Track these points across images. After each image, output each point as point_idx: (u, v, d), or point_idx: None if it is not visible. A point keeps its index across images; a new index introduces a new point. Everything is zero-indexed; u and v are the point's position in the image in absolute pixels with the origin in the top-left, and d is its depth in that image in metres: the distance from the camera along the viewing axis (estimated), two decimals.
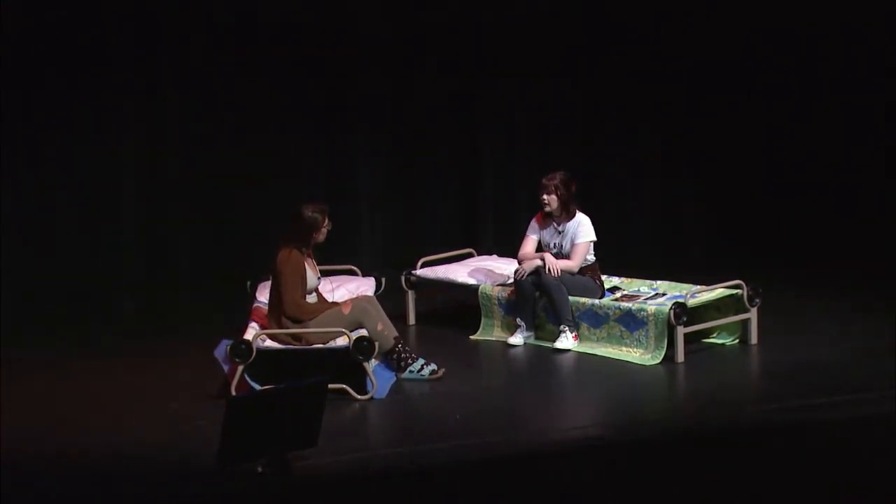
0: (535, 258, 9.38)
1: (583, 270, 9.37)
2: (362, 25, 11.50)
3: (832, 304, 10.24)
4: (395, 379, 8.52)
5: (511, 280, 9.55)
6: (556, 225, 9.43)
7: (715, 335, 9.33)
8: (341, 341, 8.29)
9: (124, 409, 8.09)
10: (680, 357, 8.80)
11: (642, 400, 8.38)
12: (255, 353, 8.07)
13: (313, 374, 7.19)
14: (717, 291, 9.21)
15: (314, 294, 8.61)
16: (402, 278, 10.10)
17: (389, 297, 9.57)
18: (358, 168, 11.68)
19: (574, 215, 9.38)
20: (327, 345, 8.32)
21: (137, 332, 10.29)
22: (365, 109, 11.62)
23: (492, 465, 7.11)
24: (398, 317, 9.65)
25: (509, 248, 10.17)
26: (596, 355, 9.06)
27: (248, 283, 9.61)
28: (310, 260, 8.56)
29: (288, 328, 8.35)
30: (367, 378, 8.17)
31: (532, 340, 9.40)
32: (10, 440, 7.40)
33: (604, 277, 9.55)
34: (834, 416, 7.70)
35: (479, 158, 12.01)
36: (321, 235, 8.56)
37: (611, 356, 9.00)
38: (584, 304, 9.21)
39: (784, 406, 7.91)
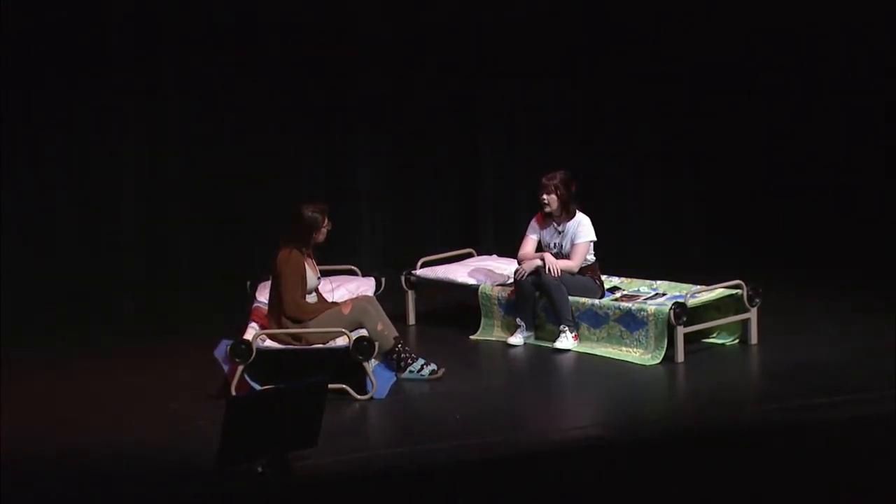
0: (534, 258, 9.38)
1: (583, 270, 9.37)
2: (362, 25, 11.49)
3: (832, 304, 10.24)
4: (394, 379, 8.52)
5: (511, 280, 9.55)
6: (556, 225, 9.43)
7: (715, 335, 9.33)
8: (341, 341, 8.29)
9: (124, 409, 8.09)
10: (680, 357, 8.80)
11: (642, 400, 8.38)
12: (254, 353, 8.07)
13: (313, 374, 7.19)
14: (717, 291, 9.21)
15: (314, 294, 8.61)
16: (402, 278, 10.11)
17: (389, 297, 9.57)
18: (358, 168, 11.68)
19: (574, 215, 9.38)
20: (327, 345, 8.32)
21: (137, 332, 10.30)
22: (365, 109, 11.62)
23: (492, 465, 7.11)
24: (398, 317, 9.65)
25: (509, 248, 10.17)
26: (596, 355, 9.06)
27: (248, 283, 9.61)
28: (310, 260, 8.56)
29: (288, 328, 8.35)
30: (367, 378, 8.17)
31: (532, 340, 9.40)
32: (10, 440, 7.40)
33: (604, 277, 9.55)
34: (834, 416, 7.70)
35: (479, 158, 12.01)
36: (321, 235, 8.56)
37: (611, 356, 9.00)
38: (583, 304, 9.21)
39: (784, 406, 7.91)
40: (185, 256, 11.19)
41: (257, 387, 7.94)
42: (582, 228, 9.33)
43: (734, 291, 9.19)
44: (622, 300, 9.27)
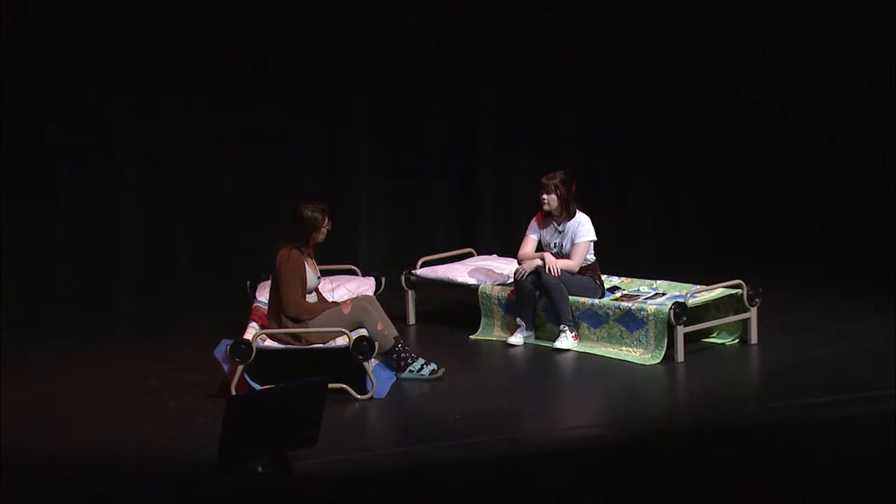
0: (534, 258, 9.38)
1: (583, 270, 9.37)
2: (362, 25, 11.48)
3: (832, 304, 10.24)
4: (394, 378, 8.52)
5: (511, 280, 9.55)
6: (556, 224, 9.43)
7: (715, 335, 9.33)
8: (341, 341, 8.29)
9: (124, 409, 8.08)
10: (680, 357, 8.80)
11: (642, 400, 8.38)
12: (254, 353, 8.07)
13: (313, 373, 7.19)
14: (717, 291, 9.21)
15: (314, 294, 8.61)
16: (402, 278, 10.11)
17: (389, 297, 9.57)
18: (357, 167, 11.68)
19: (574, 215, 9.38)
20: (327, 344, 8.32)
21: (137, 331, 10.29)
22: (365, 109, 11.62)
23: (492, 465, 7.12)
24: (398, 316, 9.65)
25: (509, 248, 10.17)
26: (596, 355, 9.06)
27: (248, 282, 9.62)
28: (310, 259, 8.56)
29: (288, 328, 8.35)
30: (367, 378, 8.17)
31: (532, 340, 9.40)
32: (10, 440, 7.40)
33: (604, 277, 9.55)
34: (834, 416, 7.70)
35: (479, 158, 12.00)
36: (321, 235, 8.56)
37: (611, 356, 9.01)
38: (583, 303, 9.21)
39: (784, 405, 7.91)
40: (185, 256, 11.19)
41: (257, 386, 7.94)
42: (582, 228, 9.33)
43: (734, 291, 9.19)
44: (622, 300, 9.27)
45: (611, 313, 9.09)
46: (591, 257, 9.42)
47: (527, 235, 9.50)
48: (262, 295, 9.00)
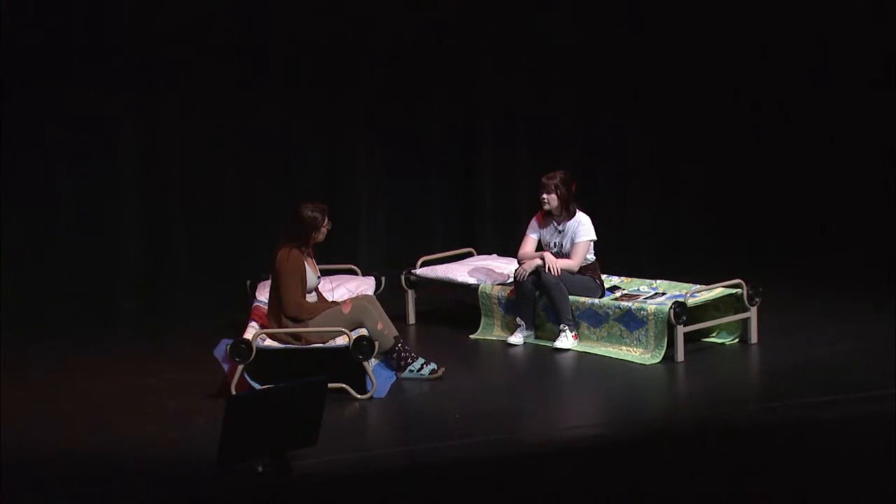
0: (534, 257, 9.38)
1: (583, 270, 9.37)
2: (362, 25, 11.49)
3: (832, 304, 10.24)
4: (394, 378, 8.52)
5: (511, 279, 9.55)
6: (556, 224, 9.43)
7: (715, 334, 9.33)
8: (341, 340, 8.29)
9: (124, 409, 8.08)
10: (680, 356, 8.80)
11: (642, 399, 8.38)
12: (254, 353, 8.07)
13: (313, 373, 7.19)
14: (717, 291, 9.21)
15: (314, 293, 8.61)
16: (402, 277, 10.11)
17: (389, 297, 9.57)
18: (357, 167, 11.68)
19: (574, 214, 9.38)
20: (327, 344, 8.32)
21: (137, 332, 10.29)
22: (365, 109, 11.62)
23: (491, 465, 7.11)
24: (398, 316, 9.65)
25: (509, 248, 10.17)
26: (596, 354, 9.06)
27: (248, 282, 9.62)
28: (310, 259, 8.56)
29: (288, 327, 8.35)
30: (367, 377, 8.17)
31: (532, 340, 9.40)
32: (10, 440, 7.40)
33: (603, 277, 9.55)
34: (834, 416, 7.69)
35: (479, 158, 12.00)
36: (321, 235, 8.56)
37: (611, 355, 9.01)
38: (583, 303, 9.21)
39: (784, 405, 7.91)
40: (185, 256, 11.19)
41: (257, 386, 7.94)
42: (582, 228, 9.33)
43: (734, 291, 9.19)
44: (622, 299, 9.27)
45: (611, 313, 9.09)
46: (591, 257, 9.42)
47: (527, 235, 9.50)
48: (262, 294, 9.00)
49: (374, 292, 9.38)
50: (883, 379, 8.21)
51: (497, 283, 9.72)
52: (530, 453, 7.30)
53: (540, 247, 9.49)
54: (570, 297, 9.20)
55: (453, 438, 7.45)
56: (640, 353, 8.92)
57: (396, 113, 11.68)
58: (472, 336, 9.62)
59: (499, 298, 9.59)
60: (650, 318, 8.89)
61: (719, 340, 9.28)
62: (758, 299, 9.16)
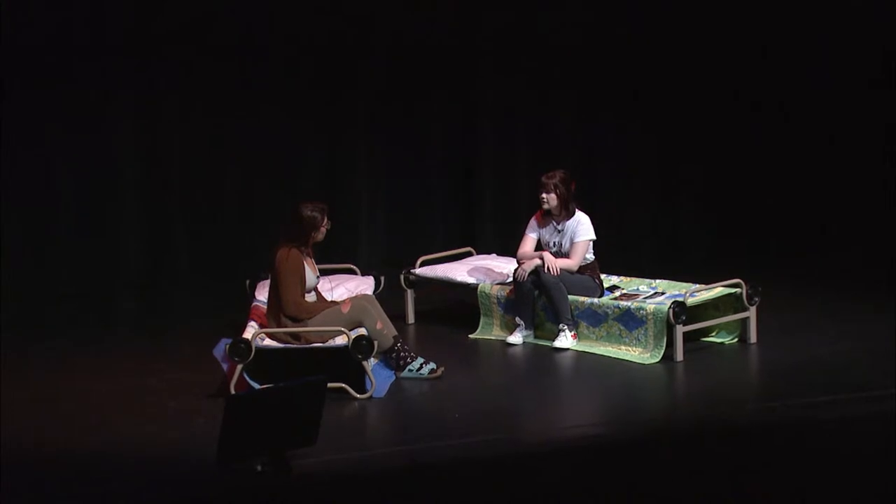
0: (534, 257, 9.38)
1: (582, 269, 9.37)
2: (362, 25, 11.49)
3: (832, 304, 10.24)
4: (393, 378, 8.53)
5: (510, 279, 9.56)
6: (555, 223, 9.43)
7: (714, 334, 9.33)
8: (340, 340, 8.29)
9: (124, 409, 8.08)
10: (679, 356, 8.80)
11: (641, 399, 8.38)
12: (254, 352, 8.07)
13: (312, 372, 7.19)
14: (717, 290, 9.21)
15: (313, 293, 8.62)
16: (402, 277, 10.11)
17: (388, 296, 9.58)
18: (357, 167, 11.68)
19: (573, 214, 9.38)
20: (326, 344, 8.32)
21: (137, 332, 10.30)
22: (365, 109, 11.62)
23: (491, 464, 7.12)
24: (397, 316, 9.65)
25: (509, 248, 10.17)
26: (595, 354, 9.06)
27: (248, 281, 9.63)
28: (309, 259, 8.56)
29: (287, 327, 8.36)
30: (367, 377, 8.17)
31: (531, 339, 9.40)
32: (10, 440, 7.40)
33: (603, 276, 9.56)
34: (834, 415, 7.69)
35: (479, 158, 12.00)
36: (320, 234, 8.56)
37: (610, 355, 9.01)
38: (583, 302, 9.21)
39: (784, 405, 7.91)
40: (185, 256, 11.19)
41: (256, 385, 7.94)
42: (581, 227, 9.33)
43: (733, 290, 9.19)
44: (621, 299, 9.27)
45: (610, 312, 9.09)
46: (591, 256, 9.43)
47: (526, 234, 9.51)
48: (262, 294, 9.01)
49: (374, 292, 9.38)
50: (883, 379, 8.21)
51: (496, 282, 9.73)
52: (529, 453, 7.30)
53: (539, 246, 9.49)
54: (570, 297, 9.21)
55: (452, 438, 7.45)
56: (639, 353, 8.92)
57: (396, 113, 11.68)
58: (471, 336, 9.62)
59: (498, 298, 9.59)
60: (649, 317, 8.89)
61: (719, 340, 9.28)
62: (757, 299, 9.16)
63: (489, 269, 9.94)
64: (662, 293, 9.34)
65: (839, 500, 6.63)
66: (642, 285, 9.63)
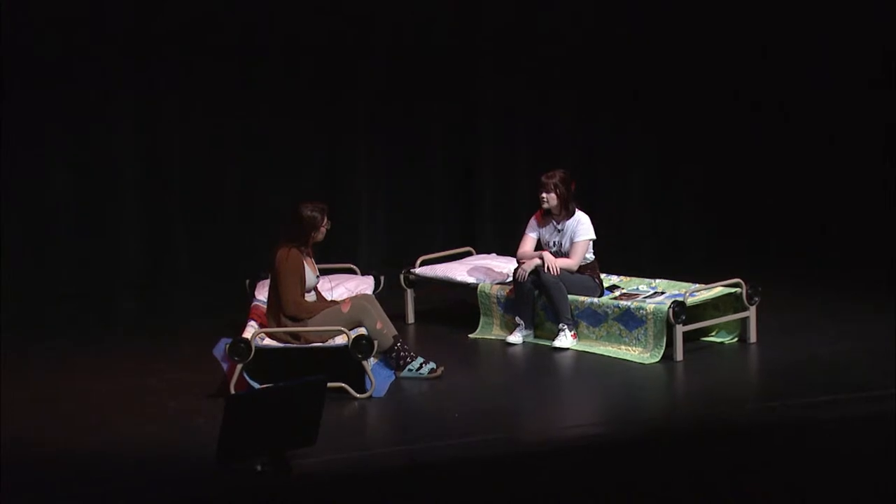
0: (534, 257, 9.38)
1: (582, 269, 9.37)
2: (362, 25, 11.49)
3: (832, 303, 10.24)
4: (393, 377, 8.53)
5: (510, 279, 9.56)
6: (555, 223, 9.43)
7: (714, 333, 9.33)
8: (340, 340, 8.30)
9: (123, 409, 8.09)
10: (679, 355, 8.81)
11: (641, 398, 8.38)
12: (253, 352, 8.07)
13: (312, 372, 7.19)
14: (716, 290, 9.21)
15: (313, 293, 8.62)
16: (402, 277, 10.11)
17: (388, 296, 9.58)
18: (357, 167, 11.68)
19: (573, 213, 9.38)
20: (326, 343, 8.32)
21: (137, 332, 10.29)
22: (365, 109, 11.62)
23: (491, 464, 7.12)
24: (397, 315, 9.65)
25: (509, 248, 10.17)
26: (595, 354, 9.06)
27: (247, 281, 9.63)
28: (309, 259, 8.56)
29: (287, 327, 8.36)
30: (366, 376, 8.17)
31: (531, 339, 9.40)
32: (10, 440, 7.40)
33: (603, 276, 9.56)
34: (834, 415, 7.69)
35: (479, 158, 12.00)
36: (320, 234, 8.56)
37: (610, 355, 9.01)
38: (582, 302, 9.21)
39: (783, 404, 7.91)
40: (185, 256, 11.19)
41: (256, 385, 7.94)
42: (581, 227, 9.34)
43: (733, 290, 9.19)
44: (621, 299, 9.27)
45: (610, 312, 9.10)
46: (591, 256, 9.43)
47: (526, 234, 9.51)
48: (261, 294, 9.01)
49: (374, 292, 9.39)
50: (883, 379, 8.21)
51: (496, 282, 9.73)
52: (529, 452, 7.31)
53: (539, 246, 9.49)
54: (570, 297, 9.21)
55: (452, 437, 7.45)
56: (639, 353, 8.92)
57: (396, 113, 11.68)
58: (471, 335, 9.63)
59: (498, 297, 9.59)
60: (649, 317, 8.89)
61: (718, 339, 9.28)
62: (757, 298, 9.17)
63: (489, 269, 9.94)
64: (662, 293, 9.34)
65: (839, 500, 6.63)
66: (642, 285, 9.63)
